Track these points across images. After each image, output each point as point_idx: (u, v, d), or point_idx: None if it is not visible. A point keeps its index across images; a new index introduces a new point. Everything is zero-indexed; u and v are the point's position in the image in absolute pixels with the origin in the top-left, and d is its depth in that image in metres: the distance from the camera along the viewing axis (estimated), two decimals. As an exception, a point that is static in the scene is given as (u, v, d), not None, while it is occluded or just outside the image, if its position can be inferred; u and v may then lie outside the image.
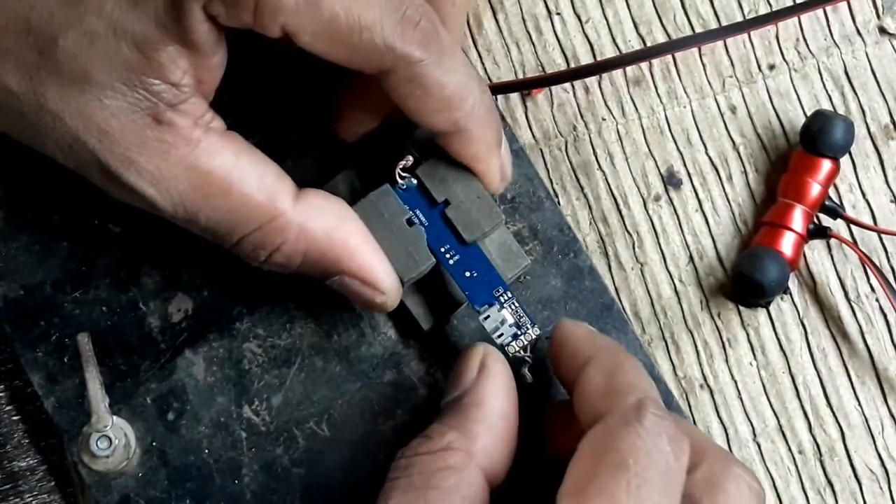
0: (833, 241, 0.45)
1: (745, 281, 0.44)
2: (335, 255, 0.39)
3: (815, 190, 0.44)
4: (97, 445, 0.39)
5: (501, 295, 0.41)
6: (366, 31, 0.35)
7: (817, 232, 0.44)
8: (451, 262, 0.41)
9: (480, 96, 0.38)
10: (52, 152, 0.38)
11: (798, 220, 0.44)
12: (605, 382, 0.35)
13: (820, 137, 0.44)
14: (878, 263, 0.45)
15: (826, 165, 0.44)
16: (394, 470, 0.36)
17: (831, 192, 0.45)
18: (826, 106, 0.47)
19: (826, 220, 0.45)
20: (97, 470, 0.40)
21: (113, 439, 0.40)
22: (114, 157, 0.36)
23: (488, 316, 0.41)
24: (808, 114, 0.45)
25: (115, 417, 0.40)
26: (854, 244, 0.45)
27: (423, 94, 0.37)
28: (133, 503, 0.41)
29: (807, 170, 0.44)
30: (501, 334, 0.40)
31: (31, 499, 0.43)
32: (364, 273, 0.39)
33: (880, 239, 0.45)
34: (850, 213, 0.45)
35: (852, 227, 0.45)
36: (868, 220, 0.45)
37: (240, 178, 0.37)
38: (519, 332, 0.40)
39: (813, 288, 0.45)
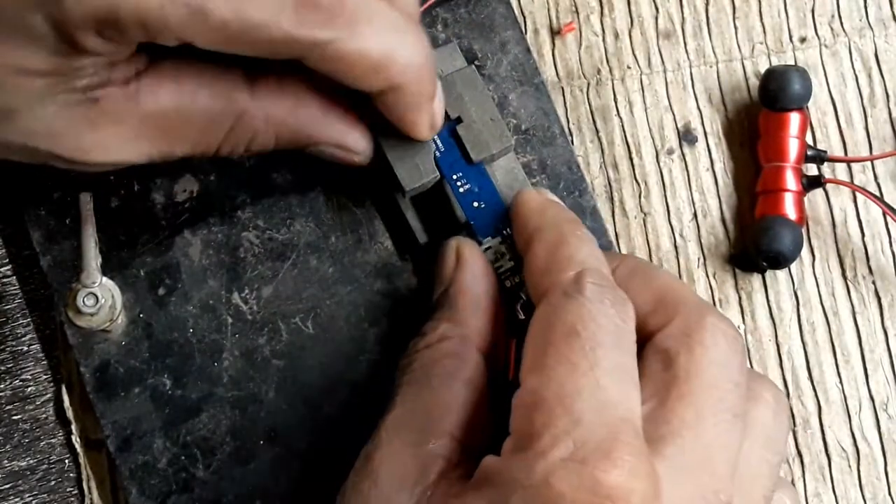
0: (834, 199, 0.46)
1: (763, 254, 0.44)
2: (306, 132, 0.39)
3: (793, 145, 0.44)
4: (83, 302, 0.40)
5: (506, 229, 0.41)
6: (262, 28, 0.34)
7: (812, 183, 0.44)
8: (461, 189, 0.41)
9: (412, 51, 0.37)
10: (15, 159, 0.38)
11: (790, 178, 0.44)
12: (546, 258, 0.36)
13: (780, 94, 0.44)
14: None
15: (795, 118, 0.44)
16: (399, 372, 0.37)
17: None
18: (851, 86, 0.47)
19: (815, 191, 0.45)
20: (81, 326, 0.41)
21: (100, 297, 0.40)
22: (74, 149, 0.37)
23: (490, 247, 0.41)
24: (832, 91, 0.45)
25: (104, 277, 0.41)
26: (851, 182, 0.45)
27: (346, 67, 0.36)
28: (112, 369, 0.42)
29: (779, 128, 0.44)
30: (500, 266, 0.41)
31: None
32: (336, 140, 0.40)
33: (875, 177, 0.46)
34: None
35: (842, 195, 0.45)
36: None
37: (192, 100, 0.37)
38: (518, 268, 0.41)
39: (811, 262, 0.45)
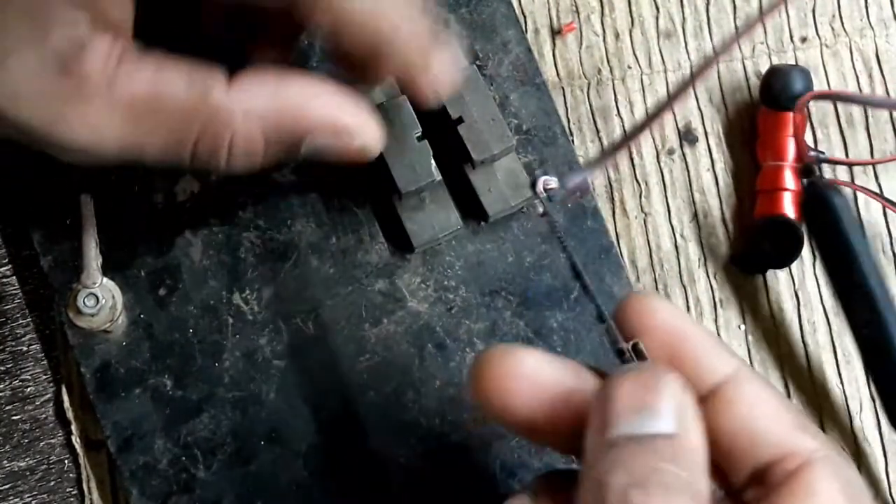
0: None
1: (764, 254, 0.44)
2: (290, 117, 0.36)
3: (792, 144, 0.44)
4: (84, 302, 0.40)
5: None
6: None
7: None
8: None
9: (406, 13, 0.36)
10: None
11: (789, 178, 0.44)
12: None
13: (783, 93, 0.44)
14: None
15: (795, 118, 0.44)
16: None
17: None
18: (852, 86, 0.47)
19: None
20: (81, 327, 0.41)
21: (100, 298, 0.40)
22: (38, 119, 0.35)
23: None
24: (832, 87, 0.45)
25: (104, 278, 0.41)
26: (851, 182, 0.45)
27: (335, 20, 0.35)
28: (113, 370, 0.42)
29: (778, 127, 0.44)
30: None
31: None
32: (326, 119, 0.37)
33: (876, 178, 0.46)
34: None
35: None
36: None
37: (165, 88, 0.36)
38: None
39: (812, 262, 0.45)
